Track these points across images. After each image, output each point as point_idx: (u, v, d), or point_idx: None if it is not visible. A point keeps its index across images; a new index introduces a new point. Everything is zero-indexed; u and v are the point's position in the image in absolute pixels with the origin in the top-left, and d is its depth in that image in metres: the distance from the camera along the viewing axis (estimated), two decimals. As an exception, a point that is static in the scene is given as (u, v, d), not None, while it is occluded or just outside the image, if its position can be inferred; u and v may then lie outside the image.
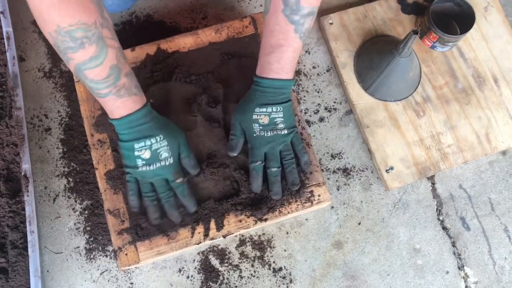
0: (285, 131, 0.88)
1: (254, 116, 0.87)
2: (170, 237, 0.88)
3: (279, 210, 0.91)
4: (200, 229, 0.90)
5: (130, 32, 1.11)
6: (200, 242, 0.89)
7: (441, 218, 1.03)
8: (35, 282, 0.84)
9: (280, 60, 0.83)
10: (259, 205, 0.90)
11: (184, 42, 0.98)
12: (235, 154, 0.90)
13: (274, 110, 0.87)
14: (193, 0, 1.14)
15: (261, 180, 0.89)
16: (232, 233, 0.90)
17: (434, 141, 1.03)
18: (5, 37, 0.96)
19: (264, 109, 0.86)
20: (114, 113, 0.81)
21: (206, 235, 0.89)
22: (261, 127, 0.87)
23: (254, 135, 0.88)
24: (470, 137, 1.04)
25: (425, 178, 1.05)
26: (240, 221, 0.90)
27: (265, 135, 0.87)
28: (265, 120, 0.87)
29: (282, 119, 0.87)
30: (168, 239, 0.88)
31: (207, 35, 0.98)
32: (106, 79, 0.76)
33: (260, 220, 0.90)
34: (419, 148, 1.03)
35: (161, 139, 0.83)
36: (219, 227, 0.90)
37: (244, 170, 0.91)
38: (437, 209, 1.04)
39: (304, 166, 0.91)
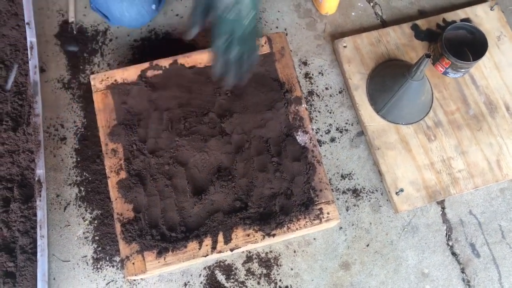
0: (253, 12, 0.80)
1: None
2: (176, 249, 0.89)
3: (288, 226, 0.91)
4: (208, 241, 0.90)
5: (148, 48, 1.14)
6: (208, 255, 0.89)
7: (450, 243, 1.03)
8: (42, 287, 0.85)
9: None
10: (268, 220, 0.90)
11: (201, 58, 1.01)
12: (189, 35, 0.83)
13: None
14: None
15: (223, 61, 0.83)
16: (240, 247, 0.90)
17: (445, 166, 1.04)
18: (28, 47, 0.99)
19: None
20: None
21: (213, 247, 0.89)
22: (224, 5, 0.79)
23: (217, 12, 0.79)
24: (481, 163, 1.04)
25: (435, 202, 1.04)
26: (248, 235, 0.90)
27: (229, 12, 0.79)
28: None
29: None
30: (174, 251, 0.89)
31: (223, 52, 1.01)
32: None
33: (268, 235, 0.90)
34: (429, 171, 1.03)
35: None
36: (227, 240, 0.90)
37: (249, 186, 0.92)
38: (446, 234, 1.03)
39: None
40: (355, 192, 1.05)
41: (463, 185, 1.02)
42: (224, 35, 0.81)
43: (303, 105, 0.98)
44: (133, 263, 0.89)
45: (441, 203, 1.05)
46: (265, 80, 0.99)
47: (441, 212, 1.04)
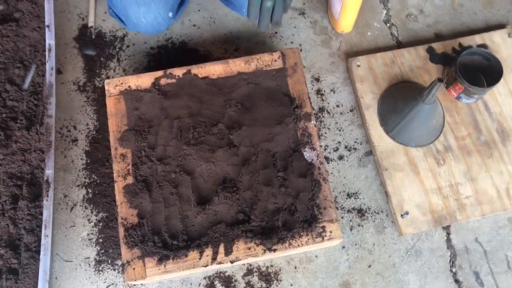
0: None
1: None
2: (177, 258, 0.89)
3: (289, 242, 0.91)
4: (208, 252, 0.90)
5: (164, 56, 1.16)
6: (208, 265, 0.89)
7: (454, 270, 1.01)
8: (43, 285, 0.86)
9: None
10: (269, 235, 0.90)
11: (214, 69, 1.02)
12: (266, 26, 0.91)
13: None
14: (227, 32, 1.18)
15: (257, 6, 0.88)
16: (240, 260, 0.90)
17: (453, 191, 1.03)
18: (47, 49, 1.01)
19: None
20: None
21: (214, 258, 0.90)
22: None
23: None
24: (490, 190, 1.03)
25: (441, 227, 1.03)
26: (249, 248, 0.90)
27: None
28: None
29: None
30: (175, 259, 0.89)
31: (236, 65, 1.02)
32: None
33: (269, 249, 0.90)
34: (436, 196, 1.02)
35: None
36: (228, 252, 0.90)
37: (251, 198, 0.92)
38: (450, 260, 1.02)
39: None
40: (360, 212, 1.04)
41: (470, 212, 1.01)
42: None
43: (312, 122, 0.98)
44: (134, 268, 0.89)
45: (447, 228, 1.04)
46: (276, 94, 1.00)
47: (446, 237, 1.03)
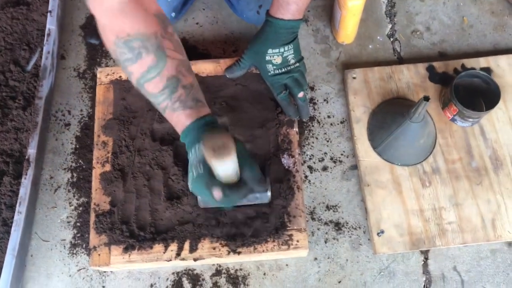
0: (297, 64, 0.96)
1: (267, 58, 0.93)
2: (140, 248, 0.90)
3: (255, 247, 0.90)
4: (173, 247, 0.90)
5: (164, 51, 1.18)
6: (171, 260, 0.90)
7: (427, 296, 0.98)
8: (9, 260, 0.88)
9: (298, 2, 0.88)
10: (235, 237, 0.90)
11: (204, 67, 1.03)
12: (231, 76, 0.99)
13: (287, 49, 0.93)
14: (228, 33, 1.19)
15: (294, 107, 0.96)
16: (204, 258, 0.90)
17: (435, 215, 0.99)
18: (46, 34, 1.05)
19: (277, 50, 0.93)
20: (178, 129, 0.77)
21: (178, 254, 0.90)
22: (274, 67, 0.94)
23: (269, 74, 0.95)
24: (474, 218, 0.99)
25: (419, 251, 1.00)
26: (214, 248, 0.90)
27: (280, 71, 0.94)
28: (278, 60, 0.93)
29: (293, 55, 0.94)
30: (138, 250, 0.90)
31: (227, 65, 1.02)
32: (162, 91, 0.73)
33: (234, 251, 0.90)
34: (417, 218, 0.99)
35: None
36: (192, 249, 0.90)
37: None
38: (425, 286, 0.98)
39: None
40: (337, 226, 1.02)
41: (450, 239, 0.98)
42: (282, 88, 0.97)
43: (294, 129, 0.98)
44: (99, 254, 0.91)
45: (425, 253, 1.00)
46: (262, 98, 1.00)
47: (423, 262, 1.00)
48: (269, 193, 0.88)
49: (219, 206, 0.81)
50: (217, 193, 0.71)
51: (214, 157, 0.68)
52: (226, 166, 0.70)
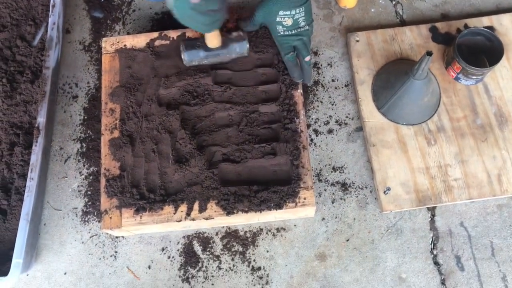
0: (307, 27, 0.95)
1: (278, 19, 0.94)
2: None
3: (262, 206, 0.91)
4: (183, 207, 0.92)
5: (167, 22, 1.19)
6: (181, 220, 0.91)
7: (435, 252, 0.99)
8: (24, 225, 0.90)
9: None
10: (242, 198, 0.91)
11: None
12: (245, 29, 0.98)
13: (298, 11, 0.93)
14: (232, 2, 1.20)
15: (299, 69, 0.97)
16: (213, 218, 0.91)
17: (441, 172, 1.00)
18: (51, 5, 1.06)
19: (288, 12, 0.92)
20: None
21: (188, 214, 0.91)
22: (284, 28, 0.94)
23: (279, 34, 0.95)
24: (480, 174, 1.00)
25: (425, 208, 1.01)
26: (223, 207, 0.92)
27: (290, 33, 0.94)
28: (288, 22, 0.93)
29: (304, 18, 0.94)
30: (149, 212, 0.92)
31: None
32: None
33: (242, 211, 0.91)
34: (423, 176, 1.00)
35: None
36: (202, 209, 0.92)
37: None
38: (432, 242, 0.99)
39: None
40: (344, 186, 1.04)
41: (456, 195, 0.99)
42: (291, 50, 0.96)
43: (299, 90, 0.98)
44: (111, 217, 0.93)
45: (432, 210, 1.01)
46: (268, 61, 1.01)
47: (430, 219, 1.01)
48: (246, 43, 0.95)
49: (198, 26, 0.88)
50: None
51: None
52: None
